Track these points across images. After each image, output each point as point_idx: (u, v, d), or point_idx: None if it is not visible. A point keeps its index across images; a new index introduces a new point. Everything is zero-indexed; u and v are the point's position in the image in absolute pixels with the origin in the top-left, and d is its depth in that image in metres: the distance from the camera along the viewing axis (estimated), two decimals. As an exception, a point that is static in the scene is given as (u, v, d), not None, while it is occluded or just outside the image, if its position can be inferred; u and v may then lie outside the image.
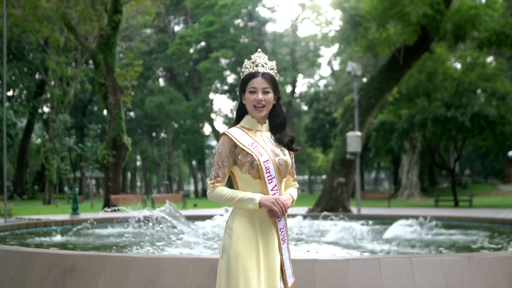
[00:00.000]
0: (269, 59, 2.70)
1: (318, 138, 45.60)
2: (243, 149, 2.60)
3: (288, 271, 2.67)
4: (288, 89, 50.84)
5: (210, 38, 45.68)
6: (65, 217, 15.52)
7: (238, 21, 48.58)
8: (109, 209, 11.81)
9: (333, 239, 7.55)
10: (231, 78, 50.25)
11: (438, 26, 19.09)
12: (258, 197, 2.55)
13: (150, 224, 8.49)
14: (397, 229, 8.42)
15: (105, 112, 34.56)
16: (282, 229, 2.65)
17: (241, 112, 2.74)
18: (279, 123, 2.71)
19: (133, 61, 24.50)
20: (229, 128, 2.70)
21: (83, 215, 15.71)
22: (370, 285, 4.09)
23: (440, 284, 4.12)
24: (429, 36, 19.97)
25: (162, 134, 55.63)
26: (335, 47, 41.37)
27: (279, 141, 2.68)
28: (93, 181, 47.85)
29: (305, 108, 55.63)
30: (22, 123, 44.44)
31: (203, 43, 49.23)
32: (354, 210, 18.58)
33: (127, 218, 9.06)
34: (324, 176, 61.81)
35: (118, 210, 12.55)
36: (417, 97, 26.29)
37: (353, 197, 27.36)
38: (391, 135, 28.02)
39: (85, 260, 4.52)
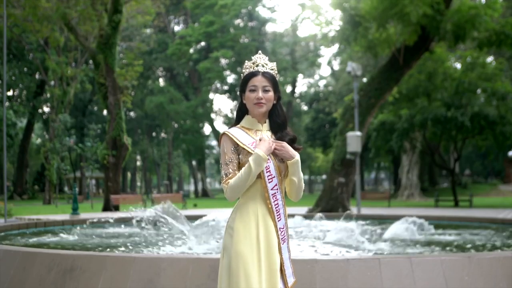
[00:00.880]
0: (270, 60, 2.71)
1: (318, 138, 45.60)
2: (243, 148, 2.60)
3: (288, 271, 2.66)
4: (288, 89, 50.83)
5: (210, 38, 45.69)
6: (65, 217, 15.53)
7: (238, 21, 48.60)
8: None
9: (333, 239, 7.54)
10: (231, 78, 50.28)
11: (438, 26, 19.09)
12: (257, 152, 2.53)
13: (149, 225, 8.48)
14: (397, 229, 8.41)
15: (105, 112, 34.56)
16: (282, 228, 2.65)
17: (242, 112, 2.74)
18: (279, 123, 2.71)
19: (133, 61, 24.52)
20: (229, 128, 2.70)
21: (83, 215, 15.73)
22: (370, 285, 4.09)
23: (440, 284, 4.12)
24: (429, 36, 19.97)
25: (162, 134, 55.62)
26: (335, 47, 41.39)
27: (280, 140, 2.68)
28: (93, 181, 47.82)
29: (305, 108, 55.62)
30: (22, 123, 44.42)
31: (203, 43, 49.24)
32: (354, 210, 18.56)
33: (129, 218, 9.06)
34: (324, 176, 61.84)
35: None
36: (417, 97, 26.27)
37: (353, 197, 27.34)
38: (391, 135, 28.00)
39: (85, 260, 4.52)
